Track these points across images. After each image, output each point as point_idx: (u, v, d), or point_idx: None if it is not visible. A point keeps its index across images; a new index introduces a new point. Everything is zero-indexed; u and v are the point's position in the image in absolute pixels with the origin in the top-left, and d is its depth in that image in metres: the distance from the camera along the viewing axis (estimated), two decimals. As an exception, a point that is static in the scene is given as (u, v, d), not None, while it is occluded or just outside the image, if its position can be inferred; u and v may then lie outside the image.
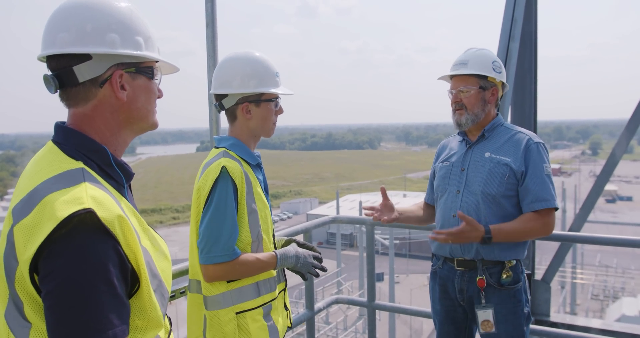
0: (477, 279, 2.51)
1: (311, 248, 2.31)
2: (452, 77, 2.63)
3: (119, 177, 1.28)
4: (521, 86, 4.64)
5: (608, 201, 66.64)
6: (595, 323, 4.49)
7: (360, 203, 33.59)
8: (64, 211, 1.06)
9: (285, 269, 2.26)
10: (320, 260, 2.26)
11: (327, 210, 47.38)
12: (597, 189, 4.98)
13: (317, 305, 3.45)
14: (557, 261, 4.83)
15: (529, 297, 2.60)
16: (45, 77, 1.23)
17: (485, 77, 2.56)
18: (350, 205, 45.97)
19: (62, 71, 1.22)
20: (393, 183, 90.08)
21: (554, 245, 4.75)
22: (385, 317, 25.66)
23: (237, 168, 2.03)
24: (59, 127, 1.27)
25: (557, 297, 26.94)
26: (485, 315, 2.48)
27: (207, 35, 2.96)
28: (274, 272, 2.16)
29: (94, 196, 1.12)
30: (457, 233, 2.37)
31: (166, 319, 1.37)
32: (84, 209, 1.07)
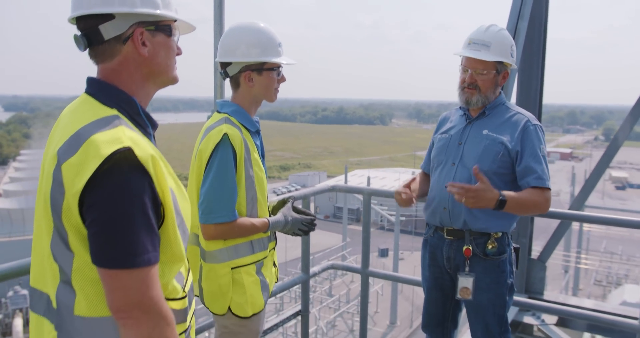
0: (464, 248, 2.60)
1: (305, 213, 2.45)
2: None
3: (146, 125, 1.43)
4: (528, 67, 4.62)
5: (618, 188, 66.22)
6: (587, 303, 4.61)
7: (369, 178, 33.68)
8: (107, 150, 1.21)
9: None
10: (310, 223, 2.41)
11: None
12: (597, 173, 5.05)
13: (313, 269, 3.58)
14: (553, 241, 4.92)
15: (514, 269, 2.69)
16: (76, 37, 1.38)
17: (502, 62, 2.57)
18: (359, 180, 46.01)
19: (90, 31, 1.36)
20: (402, 159, 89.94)
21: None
22: (387, 293, 25.95)
23: (237, 135, 2.14)
24: (93, 80, 1.41)
25: (560, 280, 27.09)
26: (465, 282, 2.58)
27: (215, 2, 3.03)
28: (267, 232, 2.31)
29: (131, 136, 1.27)
30: (475, 190, 2.35)
31: (186, 257, 1.52)
32: (124, 147, 1.22)
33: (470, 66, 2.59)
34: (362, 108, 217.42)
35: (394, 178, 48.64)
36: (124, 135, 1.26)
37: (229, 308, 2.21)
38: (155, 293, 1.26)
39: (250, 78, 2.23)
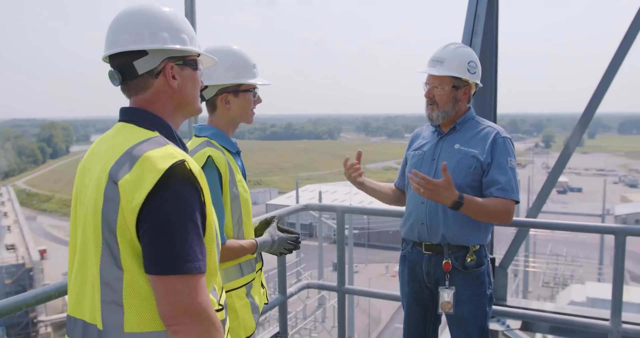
0: (443, 262, 2.64)
1: (288, 231, 2.47)
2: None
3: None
4: (482, 80, 4.75)
5: (559, 192, 68.59)
6: (548, 306, 4.74)
7: (320, 193, 33.74)
8: (164, 164, 1.30)
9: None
10: (295, 240, 2.45)
11: (287, 200, 47.37)
12: (551, 180, 5.19)
13: (289, 290, 3.55)
14: (514, 248, 5.03)
15: (492, 280, 2.75)
16: (111, 73, 1.48)
17: (459, 77, 2.65)
18: (310, 195, 46.00)
19: (124, 67, 1.46)
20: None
21: (511, 236, 4.97)
22: (344, 306, 25.86)
23: (221, 157, 2.13)
24: (128, 109, 1.51)
25: (511, 284, 27.74)
26: (446, 296, 2.63)
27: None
28: (254, 254, 2.31)
29: (181, 152, 1.37)
30: (434, 183, 2.38)
31: (219, 275, 1.56)
32: (179, 161, 1.32)
33: (429, 82, 2.71)
34: (311, 123, 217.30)
35: (344, 191, 48.90)
36: (175, 151, 1.36)
37: None
38: (204, 299, 1.32)
39: (227, 100, 2.25)
